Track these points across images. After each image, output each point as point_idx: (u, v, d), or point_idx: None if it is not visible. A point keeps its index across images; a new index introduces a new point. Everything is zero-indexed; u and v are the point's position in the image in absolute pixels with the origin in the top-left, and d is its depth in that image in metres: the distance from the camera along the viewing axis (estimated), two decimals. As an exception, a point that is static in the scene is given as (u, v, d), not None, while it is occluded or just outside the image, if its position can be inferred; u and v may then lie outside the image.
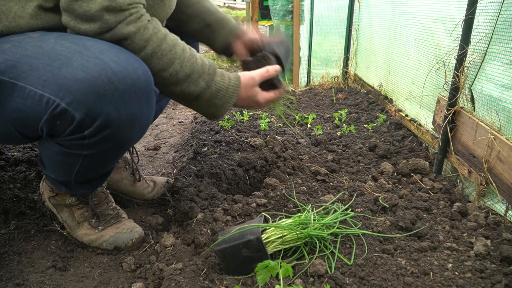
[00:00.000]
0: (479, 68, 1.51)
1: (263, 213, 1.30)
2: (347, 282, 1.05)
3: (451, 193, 1.54)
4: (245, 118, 2.56)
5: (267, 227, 1.17)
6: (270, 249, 1.13)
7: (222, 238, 1.14)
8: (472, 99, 1.57)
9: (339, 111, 2.61)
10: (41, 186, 1.43)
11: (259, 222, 1.17)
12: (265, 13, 4.35)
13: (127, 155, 1.67)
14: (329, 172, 1.74)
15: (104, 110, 0.99)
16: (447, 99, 1.63)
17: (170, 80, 1.15)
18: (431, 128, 1.91)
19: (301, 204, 1.46)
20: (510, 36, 1.34)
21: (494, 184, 1.37)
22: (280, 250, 1.18)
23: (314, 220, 1.21)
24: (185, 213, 1.43)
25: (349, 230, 1.27)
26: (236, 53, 1.55)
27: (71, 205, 1.37)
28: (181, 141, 2.41)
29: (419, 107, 2.10)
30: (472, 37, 1.50)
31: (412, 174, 1.71)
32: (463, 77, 1.54)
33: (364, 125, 2.40)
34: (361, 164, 1.82)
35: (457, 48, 1.55)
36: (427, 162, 1.74)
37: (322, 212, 1.35)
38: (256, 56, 1.45)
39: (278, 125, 2.43)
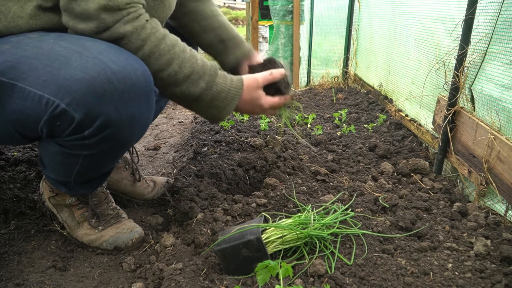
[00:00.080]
0: (479, 68, 1.51)
1: (263, 213, 1.30)
2: (347, 282, 1.05)
3: (451, 193, 1.54)
4: (245, 118, 2.56)
5: (267, 227, 1.17)
6: (270, 249, 1.13)
7: (222, 238, 1.14)
8: (472, 99, 1.57)
9: (339, 111, 2.61)
10: (41, 186, 1.43)
11: (259, 222, 1.17)
12: (265, 13, 4.35)
13: (127, 155, 1.67)
14: (329, 172, 1.74)
15: (103, 111, 0.99)
16: (447, 99, 1.63)
17: (169, 80, 1.14)
18: (431, 128, 1.91)
19: (301, 204, 1.46)
20: (510, 36, 1.34)
21: (494, 184, 1.37)
22: (280, 250, 1.18)
23: (314, 220, 1.21)
24: (185, 213, 1.43)
25: (349, 230, 1.26)
26: (242, 74, 1.54)
27: (71, 205, 1.37)
28: (181, 141, 2.41)
29: (419, 107, 2.10)
30: (472, 37, 1.50)
31: (412, 174, 1.71)
32: (463, 77, 1.54)
33: (364, 125, 2.40)
34: (361, 164, 1.82)
35: (457, 48, 1.55)
36: (427, 162, 1.74)
37: (322, 212, 1.35)
38: (263, 61, 1.43)
39: (278, 125, 2.43)
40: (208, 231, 1.33)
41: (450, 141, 1.64)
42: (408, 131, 2.19)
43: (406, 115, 2.27)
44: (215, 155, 1.95)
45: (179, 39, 1.17)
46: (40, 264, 1.29)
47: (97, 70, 0.96)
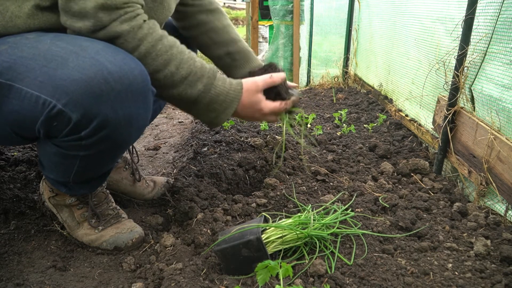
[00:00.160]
0: (479, 68, 1.51)
1: (263, 213, 1.30)
2: (347, 282, 1.05)
3: (451, 193, 1.54)
4: (245, 118, 2.55)
5: (267, 227, 1.17)
6: (270, 249, 1.13)
7: (222, 238, 1.14)
8: (472, 99, 1.57)
9: (339, 111, 2.61)
10: (41, 186, 1.43)
11: (259, 222, 1.17)
12: (265, 13, 4.35)
13: (127, 155, 1.67)
14: (329, 172, 1.74)
15: (100, 111, 0.99)
16: (447, 99, 1.63)
17: (166, 81, 1.13)
18: (431, 128, 1.91)
19: (301, 204, 1.46)
20: (510, 36, 1.34)
21: (494, 184, 1.37)
22: (280, 250, 1.18)
23: (314, 220, 1.21)
24: (185, 213, 1.43)
25: (349, 230, 1.26)
26: None
27: (71, 205, 1.37)
28: (181, 141, 2.41)
29: (419, 107, 2.10)
30: (472, 37, 1.50)
31: (412, 174, 1.71)
32: (463, 77, 1.54)
33: (364, 125, 2.40)
34: (361, 164, 1.82)
35: (457, 48, 1.55)
36: (427, 162, 1.74)
37: (322, 212, 1.35)
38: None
39: (278, 125, 2.43)
40: (208, 231, 1.33)
41: (450, 141, 1.64)
42: (408, 131, 2.19)
43: (406, 115, 2.27)
44: (215, 155, 1.95)
45: (177, 41, 1.16)
46: (40, 264, 1.29)
47: (93, 70, 0.96)
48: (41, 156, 1.23)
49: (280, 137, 2.09)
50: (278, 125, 2.43)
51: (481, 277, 1.06)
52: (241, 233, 1.12)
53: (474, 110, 1.56)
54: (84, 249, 1.38)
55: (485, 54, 1.47)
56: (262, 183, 1.69)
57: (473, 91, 1.56)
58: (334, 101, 3.01)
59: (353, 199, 1.49)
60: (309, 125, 2.44)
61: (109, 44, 1.03)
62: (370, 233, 1.26)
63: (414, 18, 2.18)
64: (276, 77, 1.28)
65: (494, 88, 1.41)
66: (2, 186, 1.62)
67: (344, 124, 2.43)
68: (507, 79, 1.35)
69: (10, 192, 1.59)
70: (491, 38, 1.44)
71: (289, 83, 1.42)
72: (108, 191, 1.45)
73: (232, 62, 1.54)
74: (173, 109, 3.19)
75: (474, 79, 1.53)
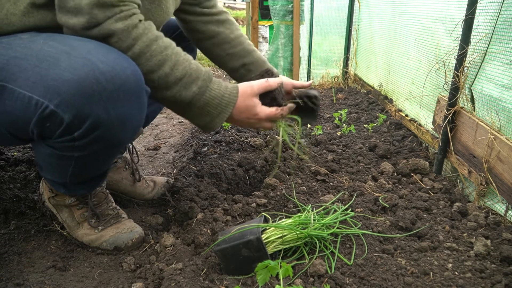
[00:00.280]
0: (479, 68, 1.51)
1: (263, 213, 1.30)
2: (347, 282, 1.05)
3: (451, 193, 1.54)
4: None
5: (267, 227, 1.17)
6: (270, 249, 1.13)
7: (222, 238, 1.14)
8: (472, 99, 1.57)
9: (339, 111, 2.61)
10: (41, 186, 1.43)
11: (259, 222, 1.17)
12: (265, 13, 4.35)
13: (127, 155, 1.67)
14: (329, 172, 1.75)
15: (92, 111, 0.97)
16: (447, 99, 1.63)
17: (160, 82, 1.11)
18: (431, 128, 1.91)
19: (301, 204, 1.46)
20: (510, 36, 1.34)
21: (494, 184, 1.37)
22: (280, 250, 1.18)
23: (314, 220, 1.21)
24: (185, 213, 1.43)
25: (349, 230, 1.26)
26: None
27: (70, 205, 1.37)
28: (181, 141, 2.41)
29: (419, 107, 2.10)
30: (472, 37, 1.50)
31: (412, 174, 1.71)
32: (463, 77, 1.54)
33: (364, 125, 2.40)
34: (361, 164, 1.82)
35: (457, 48, 1.55)
36: (427, 162, 1.74)
37: (322, 212, 1.35)
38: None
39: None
40: (208, 231, 1.33)
41: (450, 141, 1.64)
42: (408, 131, 2.19)
43: (406, 115, 2.27)
44: (215, 155, 1.95)
45: (173, 43, 1.14)
46: (40, 264, 1.29)
47: (85, 71, 0.95)
48: (37, 157, 1.22)
49: (280, 137, 2.08)
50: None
51: (481, 277, 1.06)
52: (241, 233, 1.12)
53: (474, 110, 1.56)
54: (84, 249, 1.38)
55: (485, 54, 1.47)
56: (262, 183, 1.69)
57: (473, 91, 1.56)
58: (334, 101, 3.01)
59: (353, 199, 1.49)
60: (309, 125, 2.44)
61: (101, 44, 1.02)
62: (370, 233, 1.26)
63: (414, 18, 2.18)
64: (272, 82, 1.26)
65: (494, 88, 1.41)
66: (2, 186, 1.62)
67: (344, 124, 2.43)
68: (507, 79, 1.35)
69: (10, 192, 1.59)
70: (491, 38, 1.44)
71: (302, 82, 1.41)
72: (107, 191, 1.45)
73: (247, 73, 1.53)
74: (173, 109, 3.19)
75: (474, 79, 1.53)
